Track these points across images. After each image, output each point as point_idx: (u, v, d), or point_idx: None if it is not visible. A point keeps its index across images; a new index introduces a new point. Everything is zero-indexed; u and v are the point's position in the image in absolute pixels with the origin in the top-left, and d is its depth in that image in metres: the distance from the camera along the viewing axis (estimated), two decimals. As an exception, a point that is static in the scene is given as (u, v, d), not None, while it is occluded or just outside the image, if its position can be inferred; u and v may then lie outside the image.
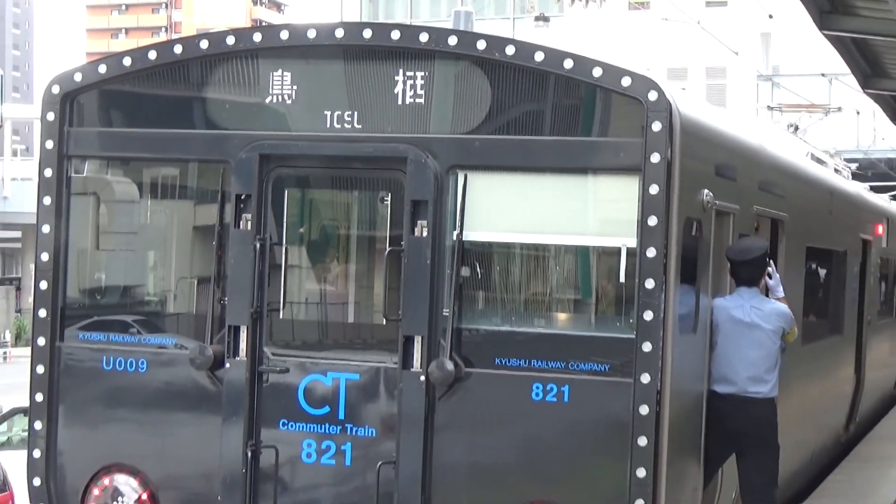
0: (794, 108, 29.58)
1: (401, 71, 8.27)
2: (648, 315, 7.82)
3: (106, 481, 8.72)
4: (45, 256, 8.91)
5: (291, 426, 8.43)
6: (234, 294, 8.50)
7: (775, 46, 57.28)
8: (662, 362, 7.83)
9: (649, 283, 7.82)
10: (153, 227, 9.59)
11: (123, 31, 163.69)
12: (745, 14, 55.67)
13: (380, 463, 8.19)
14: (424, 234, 8.17)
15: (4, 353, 61.33)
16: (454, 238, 8.14)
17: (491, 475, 8.16)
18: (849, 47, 15.61)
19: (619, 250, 8.07)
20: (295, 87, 8.50)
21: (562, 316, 8.61)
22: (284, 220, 8.68)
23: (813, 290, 13.34)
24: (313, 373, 8.41)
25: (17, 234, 76.32)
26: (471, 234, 8.18)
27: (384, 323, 8.45)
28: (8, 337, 65.00)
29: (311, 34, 8.52)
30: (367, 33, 8.46)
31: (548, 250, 8.58)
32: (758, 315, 9.25)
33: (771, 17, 36.72)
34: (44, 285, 8.91)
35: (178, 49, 8.81)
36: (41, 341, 8.91)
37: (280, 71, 8.52)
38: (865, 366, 16.89)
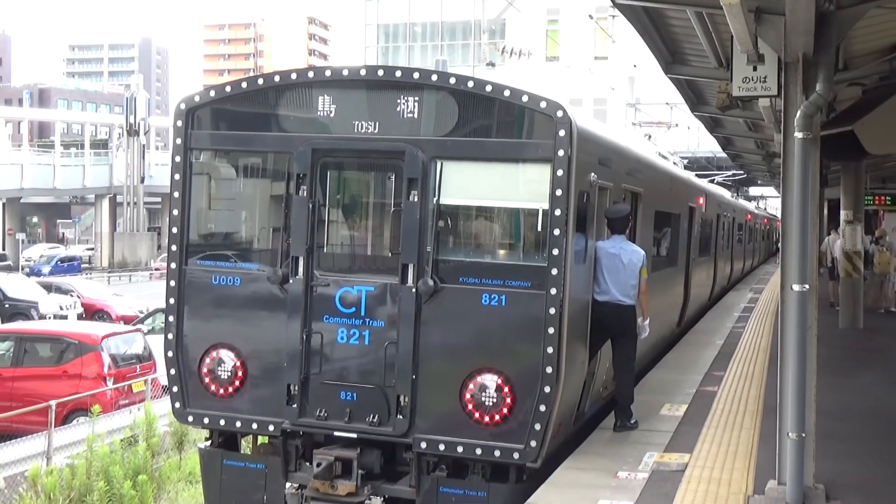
0: (648, 124, 29.77)
1: (401, 96, 8.21)
2: (555, 251, 7.80)
3: (214, 353, 8.69)
4: (175, 212, 8.90)
5: (331, 320, 8.37)
6: (295, 237, 8.44)
7: (638, 85, 57.12)
8: (564, 281, 7.82)
9: (556, 232, 7.80)
10: (244, 194, 9.54)
11: (227, 71, 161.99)
12: (618, 64, 55.53)
13: (387, 343, 8.16)
14: (415, 199, 8.11)
15: (150, 273, 61.37)
16: (434, 202, 8.09)
17: (456, 351, 8.13)
18: (683, 85, 15.65)
19: (537, 211, 8.06)
20: (334, 106, 8.41)
21: (501, 252, 8.55)
22: (327, 190, 8.60)
23: (659, 238, 13.33)
24: (345, 286, 8.35)
25: (158, 199, 76.20)
26: (445, 200, 8.13)
27: (390, 255, 8.43)
28: (152, 263, 65.18)
29: (345, 72, 8.47)
30: (381, 72, 8.42)
31: (493, 211, 8.55)
32: (623, 252, 9.27)
33: (635, 66, 36.78)
34: (174, 230, 8.89)
35: (260, 81, 8.77)
36: (173, 265, 8.89)
37: (325, 95, 8.45)
38: (690, 286, 16.90)
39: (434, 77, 8.22)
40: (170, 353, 8.90)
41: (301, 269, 8.44)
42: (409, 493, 8.23)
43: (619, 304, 9.19)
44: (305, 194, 8.44)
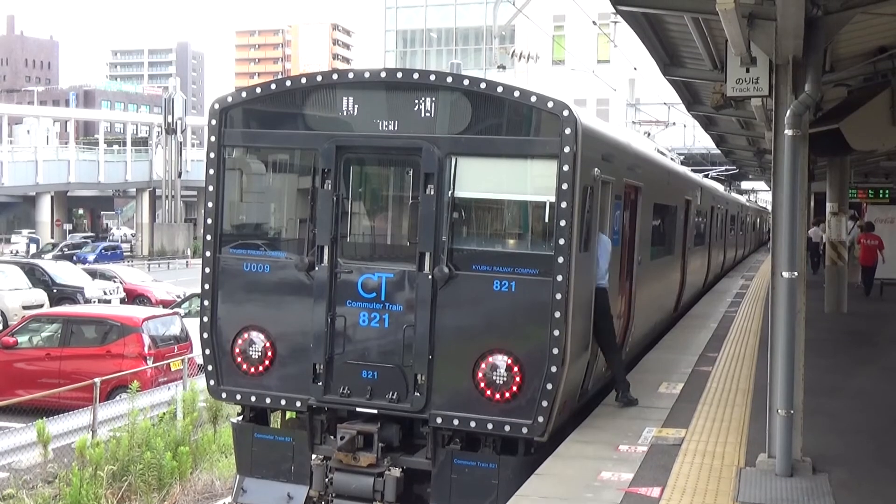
0: (647, 123, 29.63)
1: (419, 97, 8.13)
2: (561, 241, 7.75)
3: (245, 335, 8.66)
4: (210, 204, 8.86)
5: (353, 304, 8.31)
6: (320, 227, 8.39)
7: (638, 86, 56.81)
8: (569, 268, 7.76)
9: (562, 223, 7.74)
10: (273, 188, 9.46)
11: (257, 74, 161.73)
12: (620, 67, 55.25)
13: (405, 326, 8.12)
14: (432, 192, 8.05)
15: (187, 261, 61.50)
16: (449, 195, 8.02)
17: (469, 333, 8.06)
18: (680, 86, 15.53)
19: (545, 203, 7.98)
20: (356, 106, 8.33)
21: (511, 241, 8.45)
22: (350, 184, 8.53)
23: (658, 228, 13.25)
24: (367, 273, 8.30)
25: (194, 192, 76.32)
26: (459, 193, 8.06)
27: (408, 244, 8.35)
28: (189, 252, 65.56)
29: (366, 74, 8.40)
30: (399, 74, 8.33)
31: (504, 203, 8.45)
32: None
33: (636, 68, 36.49)
34: (209, 221, 8.86)
35: (288, 83, 8.69)
36: (208, 253, 8.87)
37: (348, 96, 8.36)
38: (686, 273, 16.84)
39: (449, 79, 8.15)
40: (205, 335, 8.89)
41: (326, 258, 8.40)
42: (426, 464, 8.23)
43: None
44: (330, 188, 8.37)
